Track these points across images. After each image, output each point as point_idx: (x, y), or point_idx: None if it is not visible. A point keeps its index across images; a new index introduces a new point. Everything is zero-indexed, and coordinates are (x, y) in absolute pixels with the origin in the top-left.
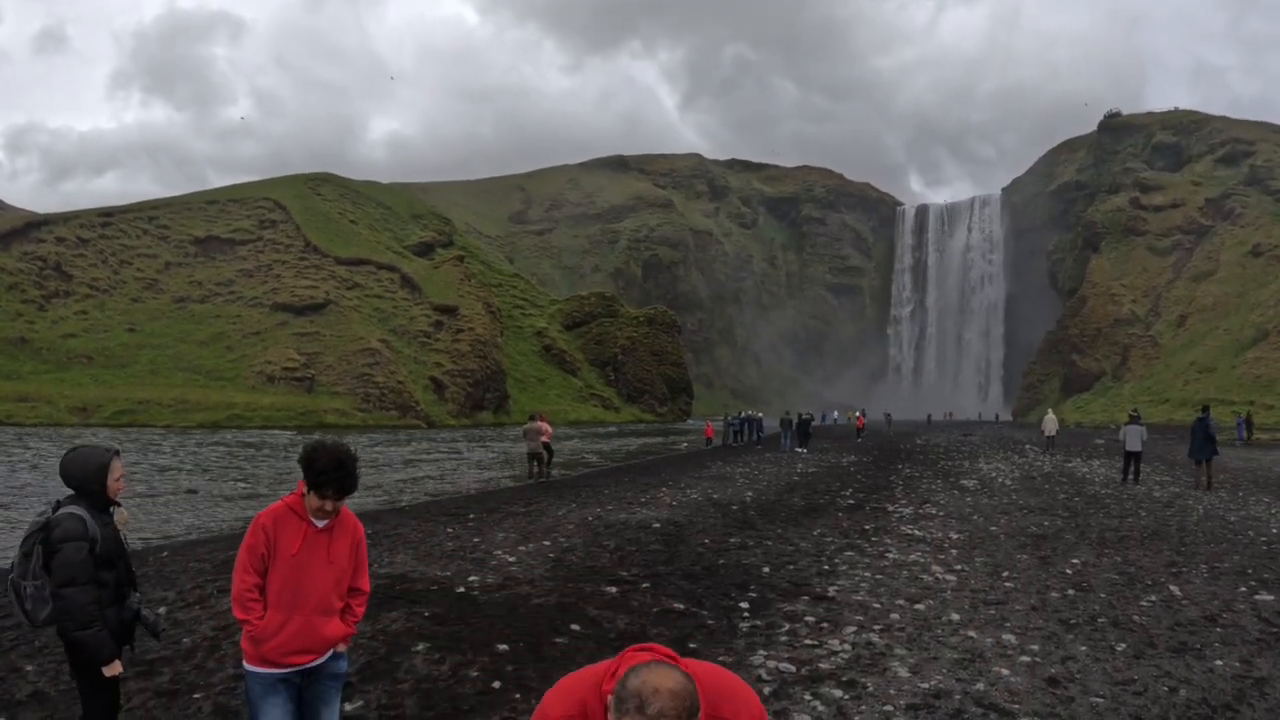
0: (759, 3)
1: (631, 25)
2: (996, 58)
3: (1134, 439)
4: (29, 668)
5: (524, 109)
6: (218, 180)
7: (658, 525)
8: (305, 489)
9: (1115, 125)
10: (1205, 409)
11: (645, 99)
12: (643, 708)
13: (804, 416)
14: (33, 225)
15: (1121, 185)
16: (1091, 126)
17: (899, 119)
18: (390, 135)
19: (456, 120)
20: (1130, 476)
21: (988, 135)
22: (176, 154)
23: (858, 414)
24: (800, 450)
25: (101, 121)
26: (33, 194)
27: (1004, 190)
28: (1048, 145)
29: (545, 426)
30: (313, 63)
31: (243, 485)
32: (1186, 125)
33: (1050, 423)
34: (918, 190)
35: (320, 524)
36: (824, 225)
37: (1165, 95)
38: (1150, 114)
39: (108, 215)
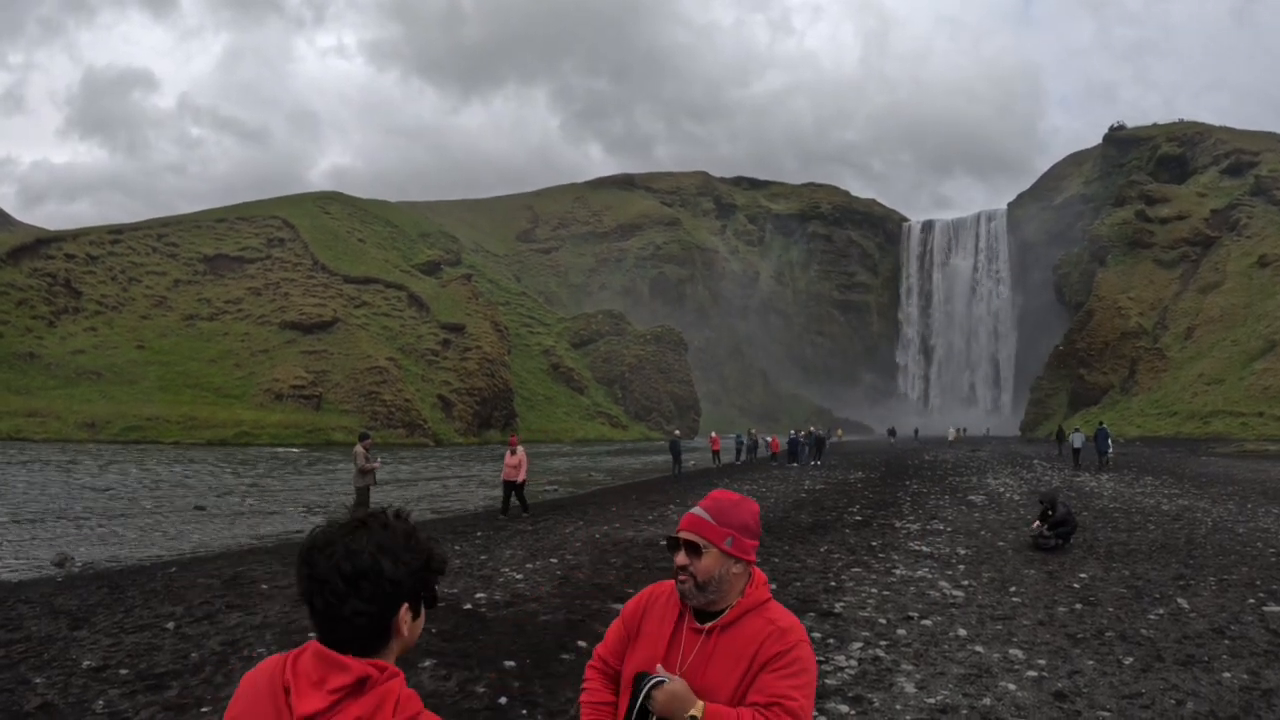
0: (595, 39)
1: (495, 72)
2: (849, 76)
3: (1077, 440)
4: (37, 680)
5: (449, 142)
6: (182, 208)
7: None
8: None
9: (1120, 138)
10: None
11: (542, 131)
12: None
13: (817, 433)
14: (43, 242)
15: (1127, 198)
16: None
17: (773, 139)
18: (334, 167)
19: (391, 153)
20: (1075, 464)
21: (871, 152)
22: (131, 187)
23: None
24: (816, 464)
25: (70, 157)
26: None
27: (1010, 205)
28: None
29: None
30: (241, 108)
31: (251, 502)
32: (1191, 137)
33: (951, 431)
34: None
35: None
36: (830, 242)
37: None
38: (1155, 126)
39: (117, 232)
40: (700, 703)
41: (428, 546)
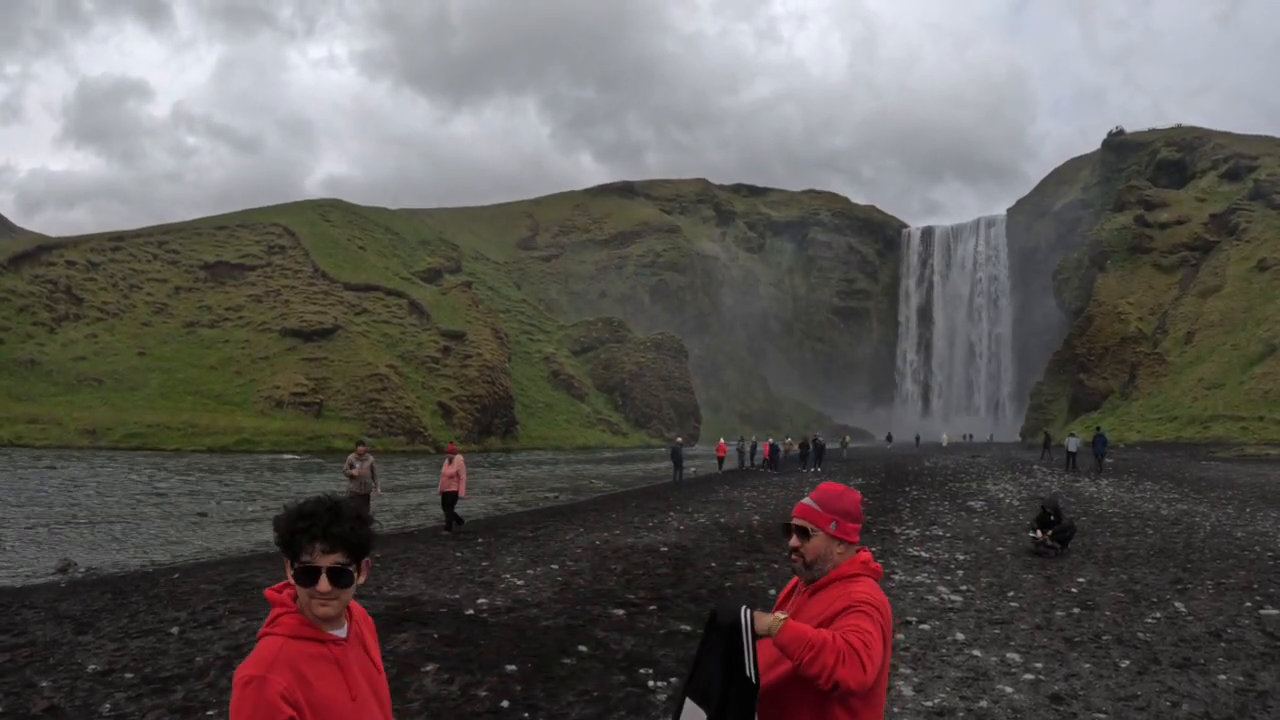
0: (582, 49)
1: (484, 81)
2: (828, 81)
3: (1072, 444)
4: (44, 683)
5: (442, 151)
6: (179, 216)
7: (665, 549)
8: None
9: (1119, 143)
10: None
11: (534, 139)
12: None
13: (818, 440)
14: (43, 248)
15: (1126, 203)
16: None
17: (763, 146)
18: (329, 176)
19: (386, 161)
20: (1071, 468)
21: (860, 158)
22: (127, 194)
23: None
24: (816, 469)
25: (68, 165)
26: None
27: (1009, 210)
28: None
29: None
30: (236, 118)
31: (252, 509)
32: (1189, 141)
33: (944, 436)
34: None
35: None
36: (830, 249)
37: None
38: (1153, 131)
39: (118, 239)
40: (784, 616)
41: (281, 523)
